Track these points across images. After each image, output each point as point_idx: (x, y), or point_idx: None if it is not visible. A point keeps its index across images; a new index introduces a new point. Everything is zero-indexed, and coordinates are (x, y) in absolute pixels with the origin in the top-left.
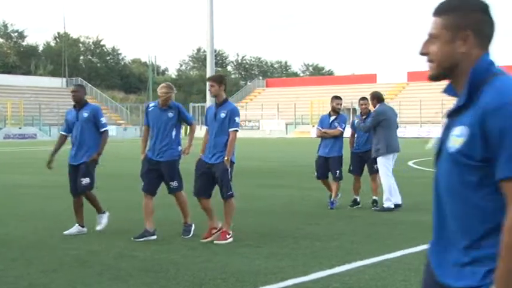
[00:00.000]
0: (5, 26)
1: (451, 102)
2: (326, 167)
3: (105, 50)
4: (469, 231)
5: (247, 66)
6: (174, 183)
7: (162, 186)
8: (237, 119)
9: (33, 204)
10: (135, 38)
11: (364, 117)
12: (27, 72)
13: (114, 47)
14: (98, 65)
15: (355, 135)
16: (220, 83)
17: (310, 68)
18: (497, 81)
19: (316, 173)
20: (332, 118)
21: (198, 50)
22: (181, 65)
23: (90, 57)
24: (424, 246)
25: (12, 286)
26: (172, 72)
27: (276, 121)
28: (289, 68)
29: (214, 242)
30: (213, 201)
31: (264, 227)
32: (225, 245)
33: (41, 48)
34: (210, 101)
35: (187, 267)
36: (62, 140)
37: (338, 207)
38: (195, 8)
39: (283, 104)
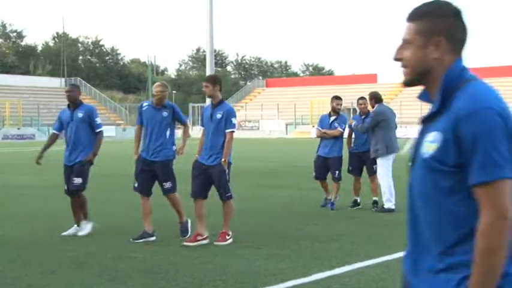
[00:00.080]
0: (4, 25)
1: None
2: (325, 167)
3: (104, 50)
4: (443, 237)
5: (247, 66)
6: (168, 184)
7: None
8: (233, 119)
9: (32, 205)
10: (134, 38)
11: (363, 117)
12: (26, 72)
13: (113, 47)
14: (97, 65)
15: (354, 136)
16: (215, 83)
17: (310, 68)
18: (470, 87)
19: (314, 173)
20: (332, 118)
21: (198, 49)
22: (180, 65)
23: (89, 57)
24: None
25: (10, 287)
26: (172, 72)
27: (275, 121)
28: (289, 68)
29: (214, 243)
30: (211, 202)
31: (264, 227)
32: (225, 246)
33: (39, 48)
34: (209, 102)
35: (187, 268)
36: (53, 139)
37: (338, 208)
38: (195, 8)
39: (283, 104)
